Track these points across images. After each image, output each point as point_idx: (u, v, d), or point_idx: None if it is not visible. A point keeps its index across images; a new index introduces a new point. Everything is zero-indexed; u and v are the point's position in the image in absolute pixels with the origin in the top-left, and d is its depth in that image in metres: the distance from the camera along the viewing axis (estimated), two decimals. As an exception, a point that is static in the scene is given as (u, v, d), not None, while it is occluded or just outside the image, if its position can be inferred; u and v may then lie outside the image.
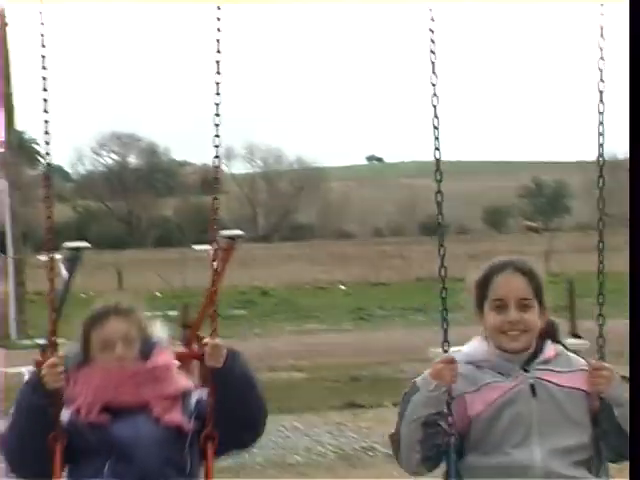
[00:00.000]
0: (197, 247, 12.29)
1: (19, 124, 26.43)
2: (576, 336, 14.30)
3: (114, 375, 5.11)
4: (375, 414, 13.41)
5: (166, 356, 5.41)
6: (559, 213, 71.65)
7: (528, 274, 4.75)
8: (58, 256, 12.86)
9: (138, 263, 47.62)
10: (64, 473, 4.99)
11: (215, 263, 12.01)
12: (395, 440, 4.73)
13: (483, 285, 4.69)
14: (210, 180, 5.44)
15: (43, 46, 5.38)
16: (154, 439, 5.05)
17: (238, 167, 76.82)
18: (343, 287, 38.79)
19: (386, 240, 64.28)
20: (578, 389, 4.59)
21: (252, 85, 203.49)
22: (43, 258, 13.22)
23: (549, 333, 4.85)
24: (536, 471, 4.47)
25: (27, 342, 20.58)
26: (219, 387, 5.03)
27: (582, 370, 4.66)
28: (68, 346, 5.15)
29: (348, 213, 78.11)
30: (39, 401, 4.90)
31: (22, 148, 30.82)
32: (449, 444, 4.53)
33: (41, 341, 13.37)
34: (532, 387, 4.55)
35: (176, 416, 5.16)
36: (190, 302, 13.57)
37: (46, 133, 4.62)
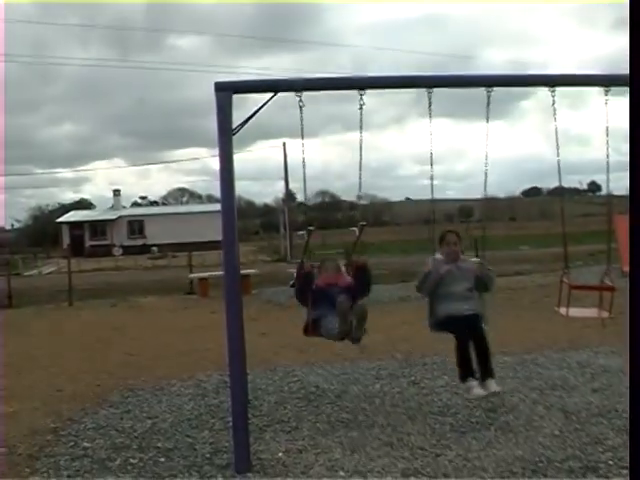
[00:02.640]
0: (351, 228, 12.80)
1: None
2: (478, 257, 14.55)
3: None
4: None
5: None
6: (472, 217, 70.18)
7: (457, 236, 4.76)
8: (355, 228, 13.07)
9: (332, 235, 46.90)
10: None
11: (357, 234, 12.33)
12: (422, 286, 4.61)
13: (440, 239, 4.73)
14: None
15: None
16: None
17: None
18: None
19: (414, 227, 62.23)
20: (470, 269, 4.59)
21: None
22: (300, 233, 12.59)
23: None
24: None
25: (292, 261, 21.03)
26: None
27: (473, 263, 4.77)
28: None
29: (394, 216, 74.97)
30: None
31: (291, 195, 33.59)
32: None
33: (297, 261, 14.17)
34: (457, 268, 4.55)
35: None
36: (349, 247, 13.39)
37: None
